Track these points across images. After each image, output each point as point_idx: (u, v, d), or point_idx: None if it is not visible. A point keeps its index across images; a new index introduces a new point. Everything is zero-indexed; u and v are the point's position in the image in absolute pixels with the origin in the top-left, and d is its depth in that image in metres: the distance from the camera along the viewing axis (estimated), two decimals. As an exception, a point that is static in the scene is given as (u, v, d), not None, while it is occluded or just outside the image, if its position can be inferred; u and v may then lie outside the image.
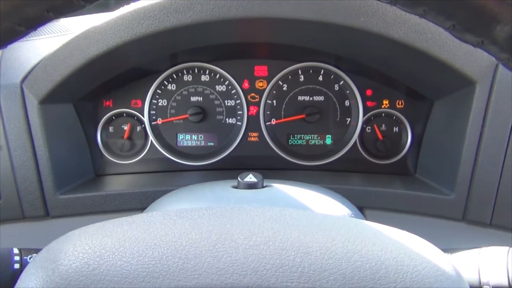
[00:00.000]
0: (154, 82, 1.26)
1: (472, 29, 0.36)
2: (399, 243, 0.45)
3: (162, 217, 0.48)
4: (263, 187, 0.77)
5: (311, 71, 1.28)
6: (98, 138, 1.26)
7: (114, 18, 0.94)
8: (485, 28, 0.35)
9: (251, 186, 0.75)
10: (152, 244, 0.43)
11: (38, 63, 1.00)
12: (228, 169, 1.28)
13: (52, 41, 1.02)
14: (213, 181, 0.88)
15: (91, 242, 0.44)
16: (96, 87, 1.17)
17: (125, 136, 1.27)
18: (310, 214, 0.51)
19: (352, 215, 0.70)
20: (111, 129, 1.28)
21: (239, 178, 0.77)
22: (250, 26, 1.01)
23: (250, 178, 0.76)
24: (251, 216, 0.48)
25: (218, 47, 1.16)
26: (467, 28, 0.36)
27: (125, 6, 0.96)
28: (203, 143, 1.30)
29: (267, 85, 1.28)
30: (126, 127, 1.28)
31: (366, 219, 0.90)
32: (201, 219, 0.48)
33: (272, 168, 1.26)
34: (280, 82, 1.29)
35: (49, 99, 1.01)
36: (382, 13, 0.91)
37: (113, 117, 1.27)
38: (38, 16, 0.38)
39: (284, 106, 1.29)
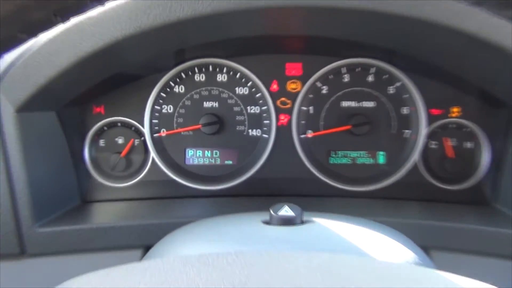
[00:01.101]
0: (157, 83, 1.29)
1: None
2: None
3: (182, 265, 0.50)
4: (302, 222, 0.77)
5: (358, 69, 1.30)
6: (86, 154, 1.29)
7: (114, 7, 0.97)
8: None
9: (288, 221, 0.76)
10: None
11: (15, 62, 1.02)
12: (251, 195, 1.29)
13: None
14: (236, 213, 0.88)
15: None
16: (85, 90, 1.19)
17: (123, 153, 1.30)
18: (369, 262, 0.52)
19: (420, 262, 0.71)
20: (101, 142, 1.31)
21: (271, 211, 0.77)
22: (281, 16, 1.02)
23: (286, 211, 0.77)
24: (294, 265, 0.49)
25: (240, 40, 1.17)
26: None
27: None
28: (218, 162, 1.32)
29: (302, 87, 1.30)
30: (121, 141, 1.30)
31: (433, 263, 0.90)
32: (231, 267, 0.49)
33: (308, 194, 1.27)
34: (318, 83, 1.30)
35: (28, 107, 1.04)
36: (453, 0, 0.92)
37: (105, 128, 1.30)
38: (44, 20, 0.41)
39: (323, 114, 1.31)
